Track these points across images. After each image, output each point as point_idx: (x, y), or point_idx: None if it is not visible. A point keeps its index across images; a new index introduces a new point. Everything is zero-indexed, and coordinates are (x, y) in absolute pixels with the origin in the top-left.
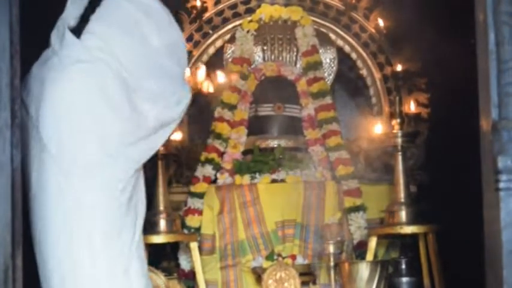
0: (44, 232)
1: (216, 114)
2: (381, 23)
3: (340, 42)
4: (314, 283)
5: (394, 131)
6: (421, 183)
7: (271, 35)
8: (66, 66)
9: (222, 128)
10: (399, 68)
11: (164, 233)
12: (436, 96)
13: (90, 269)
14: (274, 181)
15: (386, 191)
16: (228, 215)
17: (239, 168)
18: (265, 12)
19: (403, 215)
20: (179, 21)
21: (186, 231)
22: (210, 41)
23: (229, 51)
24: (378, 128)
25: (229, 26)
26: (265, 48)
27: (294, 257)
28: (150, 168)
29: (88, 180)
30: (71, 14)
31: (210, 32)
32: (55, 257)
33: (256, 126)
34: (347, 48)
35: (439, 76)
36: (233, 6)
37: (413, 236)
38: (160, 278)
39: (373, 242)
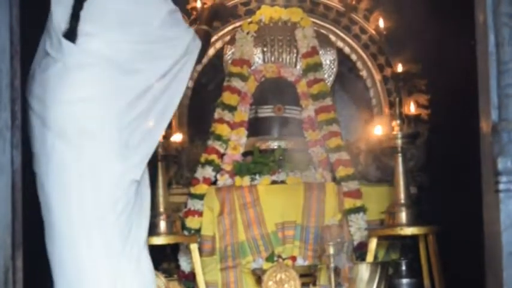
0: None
1: (216, 116)
2: (381, 24)
3: (340, 44)
4: (314, 284)
5: (394, 132)
6: (421, 185)
7: (271, 37)
8: (72, 70)
9: (222, 129)
10: (399, 69)
11: (164, 234)
12: (436, 98)
13: (106, 264)
14: (274, 182)
15: (387, 192)
16: (228, 216)
17: (239, 170)
18: (265, 13)
19: (403, 216)
20: None
21: (186, 232)
22: None
23: (229, 53)
24: (378, 129)
25: (229, 28)
26: (265, 49)
27: (294, 259)
28: (150, 169)
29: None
30: (58, 16)
31: None
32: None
33: (256, 127)
34: (347, 50)
35: (439, 77)
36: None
37: (414, 237)
38: (160, 280)
39: (373, 243)
